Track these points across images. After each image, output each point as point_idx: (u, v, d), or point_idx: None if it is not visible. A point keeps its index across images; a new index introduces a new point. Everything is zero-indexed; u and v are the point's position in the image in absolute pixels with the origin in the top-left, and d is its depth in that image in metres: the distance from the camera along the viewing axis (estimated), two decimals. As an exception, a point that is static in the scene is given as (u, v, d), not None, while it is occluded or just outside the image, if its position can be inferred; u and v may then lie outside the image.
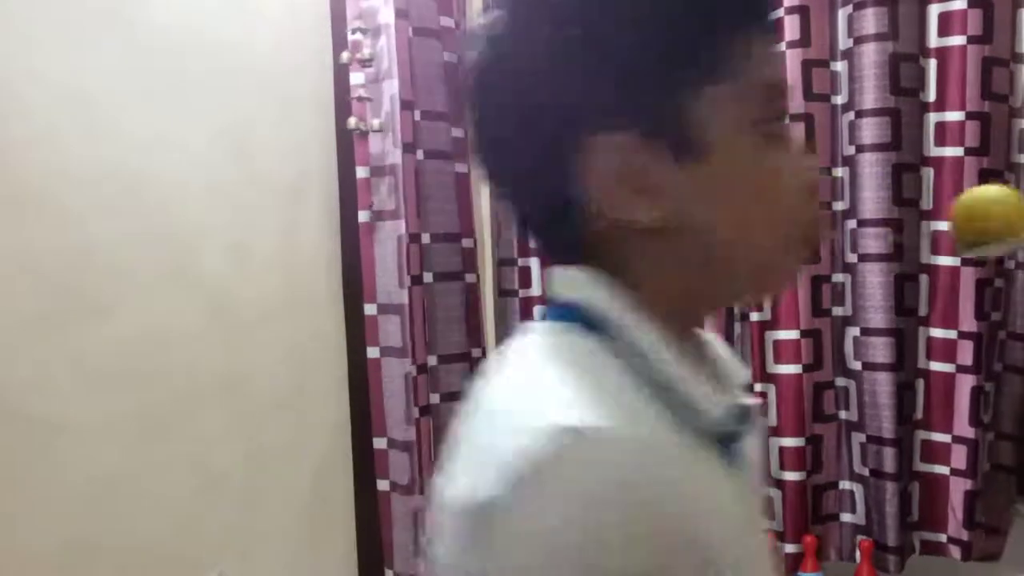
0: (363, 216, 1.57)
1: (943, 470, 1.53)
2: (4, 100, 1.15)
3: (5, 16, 1.15)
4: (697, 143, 0.50)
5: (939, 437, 1.53)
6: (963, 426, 1.49)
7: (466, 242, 1.66)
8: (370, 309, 1.58)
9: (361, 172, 1.57)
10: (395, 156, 1.53)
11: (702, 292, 0.55)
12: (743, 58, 0.50)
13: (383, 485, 1.60)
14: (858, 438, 1.57)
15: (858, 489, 1.60)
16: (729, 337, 1.63)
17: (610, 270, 0.53)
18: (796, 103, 1.52)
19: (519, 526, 0.42)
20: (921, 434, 1.55)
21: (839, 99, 1.55)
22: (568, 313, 0.53)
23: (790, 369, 1.56)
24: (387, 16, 1.53)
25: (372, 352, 1.58)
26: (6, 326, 1.15)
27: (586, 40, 0.49)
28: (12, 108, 1.16)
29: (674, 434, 0.49)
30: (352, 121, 1.54)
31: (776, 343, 1.57)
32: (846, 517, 1.62)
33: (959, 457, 1.50)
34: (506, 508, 0.42)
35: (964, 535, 1.50)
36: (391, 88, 1.53)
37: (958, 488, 1.50)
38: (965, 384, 1.48)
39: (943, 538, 1.54)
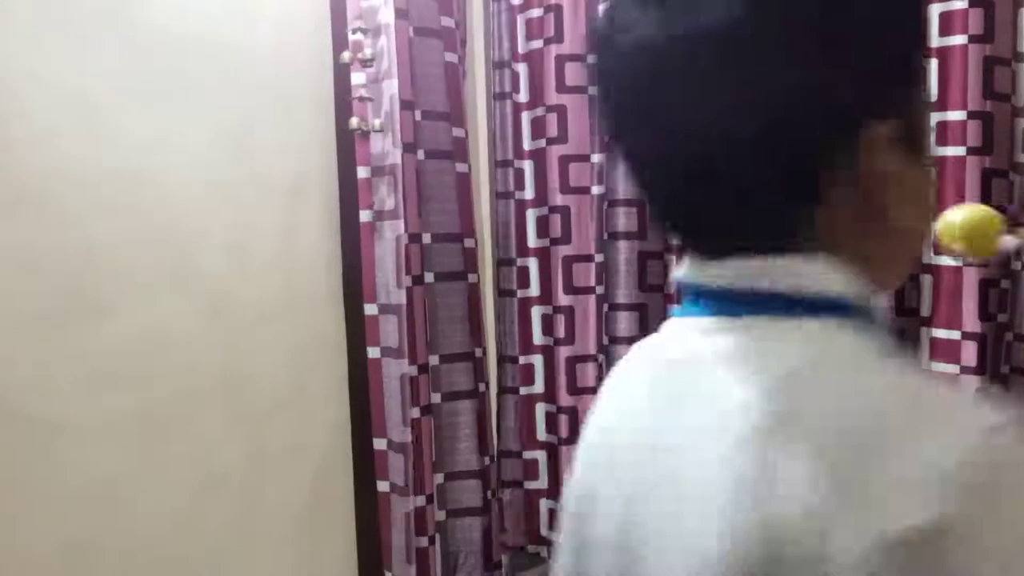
0: (364, 216, 1.57)
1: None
2: (4, 100, 1.15)
3: (5, 16, 1.15)
4: (919, 140, 0.51)
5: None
6: (966, 427, 1.49)
7: (467, 242, 1.66)
8: (370, 309, 1.58)
9: (362, 172, 1.56)
10: (395, 156, 1.53)
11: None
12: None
13: (383, 486, 1.60)
14: (860, 439, 1.57)
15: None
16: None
17: (843, 262, 0.50)
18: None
19: (990, 536, 0.40)
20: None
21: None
22: (824, 308, 0.49)
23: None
24: (387, 16, 1.53)
25: (372, 352, 1.58)
26: (6, 326, 1.16)
27: (862, 20, 0.47)
28: (12, 108, 1.16)
29: None
30: (354, 121, 1.53)
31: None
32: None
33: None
34: (963, 525, 0.40)
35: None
36: (391, 88, 1.53)
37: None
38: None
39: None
